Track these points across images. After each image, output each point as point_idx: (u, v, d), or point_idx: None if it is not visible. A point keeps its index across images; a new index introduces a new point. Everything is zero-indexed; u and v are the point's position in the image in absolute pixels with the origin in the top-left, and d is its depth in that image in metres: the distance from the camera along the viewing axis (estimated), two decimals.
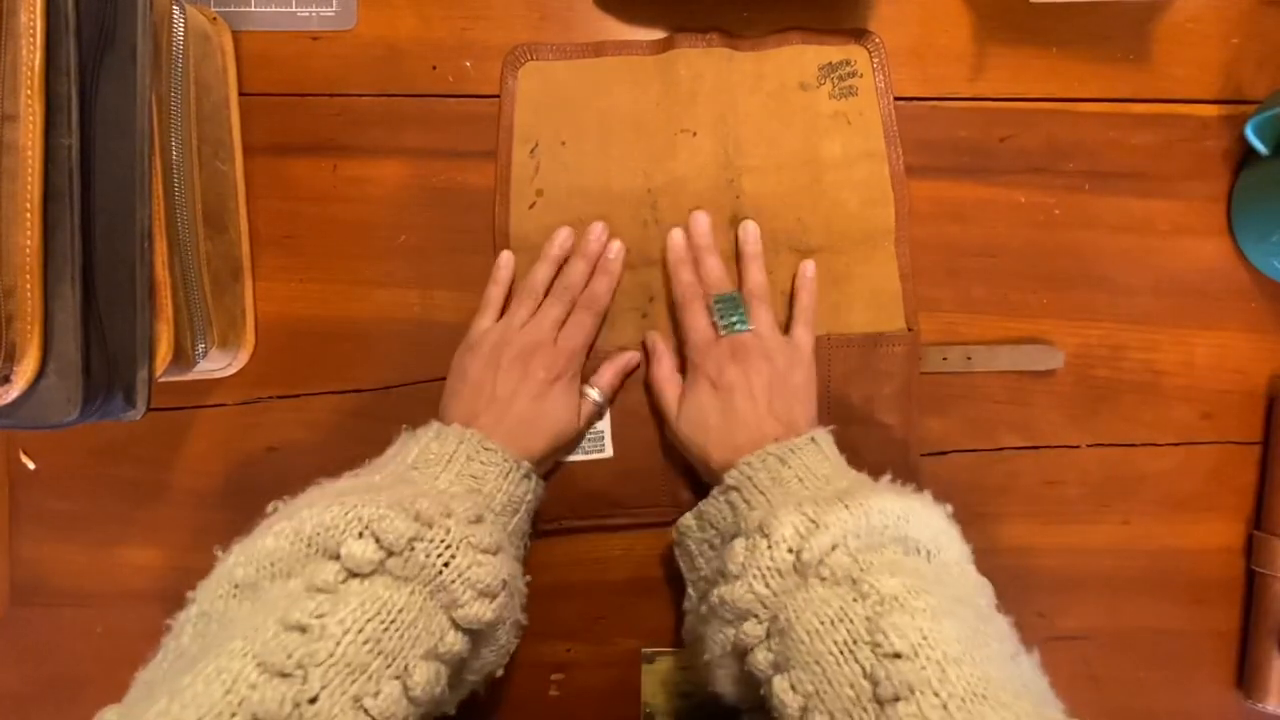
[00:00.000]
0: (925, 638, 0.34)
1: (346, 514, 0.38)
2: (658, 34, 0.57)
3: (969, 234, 0.58)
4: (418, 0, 0.57)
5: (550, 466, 0.55)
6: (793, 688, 0.36)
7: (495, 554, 0.42)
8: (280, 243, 0.58)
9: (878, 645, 0.34)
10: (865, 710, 0.34)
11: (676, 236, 0.55)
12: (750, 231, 0.56)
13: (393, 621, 0.36)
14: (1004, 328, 0.58)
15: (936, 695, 0.32)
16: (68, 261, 0.41)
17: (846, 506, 0.39)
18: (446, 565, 0.39)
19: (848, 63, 0.57)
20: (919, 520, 0.41)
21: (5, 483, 0.58)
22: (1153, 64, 0.58)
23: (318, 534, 0.38)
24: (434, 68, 0.57)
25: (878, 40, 0.57)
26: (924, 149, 0.58)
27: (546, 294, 0.55)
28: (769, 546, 0.39)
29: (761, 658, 0.39)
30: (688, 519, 0.50)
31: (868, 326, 0.57)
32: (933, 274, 0.58)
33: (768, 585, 0.39)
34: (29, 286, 0.39)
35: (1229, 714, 0.59)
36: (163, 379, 0.48)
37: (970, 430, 0.58)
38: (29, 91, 0.39)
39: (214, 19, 0.55)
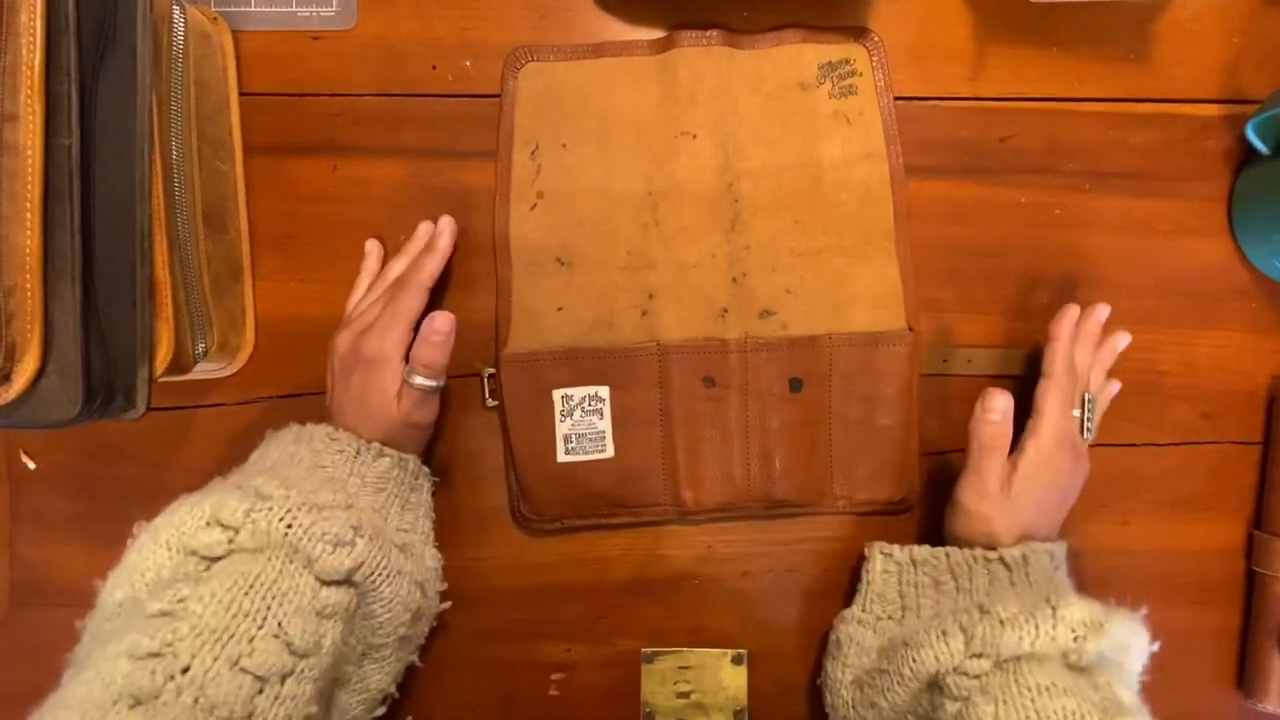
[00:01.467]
0: None
1: (192, 509, 0.41)
2: (658, 34, 0.57)
3: (969, 234, 0.58)
4: (418, 0, 0.57)
5: (423, 439, 0.54)
6: (995, 718, 0.41)
7: (345, 509, 0.44)
8: (280, 243, 0.58)
9: None
10: None
11: (1071, 312, 0.53)
12: (1119, 343, 0.55)
13: (251, 586, 0.39)
14: (1004, 328, 0.58)
15: None
16: (68, 261, 0.41)
17: (1125, 623, 0.44)
18: (290, 526, 0.41)
19: (847, 62, 0.57)
20: (1139, 664, 0.46)
21: (5, 483, 0.58)
22: (1153, 64, 0.58)
23: (172, 536, 0.41)
24: (434, 68, 0.57)
25: (877, 39, 0.57)
26: (924, 149, 0.58)
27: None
28: (1054, 623, 0.43)
29: (968, 682, 0.44)
30: (925, 553, 0.52)
31: (868, 326, 0.57)
32: (933, 274, 0.58)
33: (1033, 645, 0.43)
34: (29, 286, 0.39)
35: (1229, 714, 0.59)
36: (163, 379, 0.48)
37: None
38: (29, 91, 0.39)
39: (214, 19, 0.55)
